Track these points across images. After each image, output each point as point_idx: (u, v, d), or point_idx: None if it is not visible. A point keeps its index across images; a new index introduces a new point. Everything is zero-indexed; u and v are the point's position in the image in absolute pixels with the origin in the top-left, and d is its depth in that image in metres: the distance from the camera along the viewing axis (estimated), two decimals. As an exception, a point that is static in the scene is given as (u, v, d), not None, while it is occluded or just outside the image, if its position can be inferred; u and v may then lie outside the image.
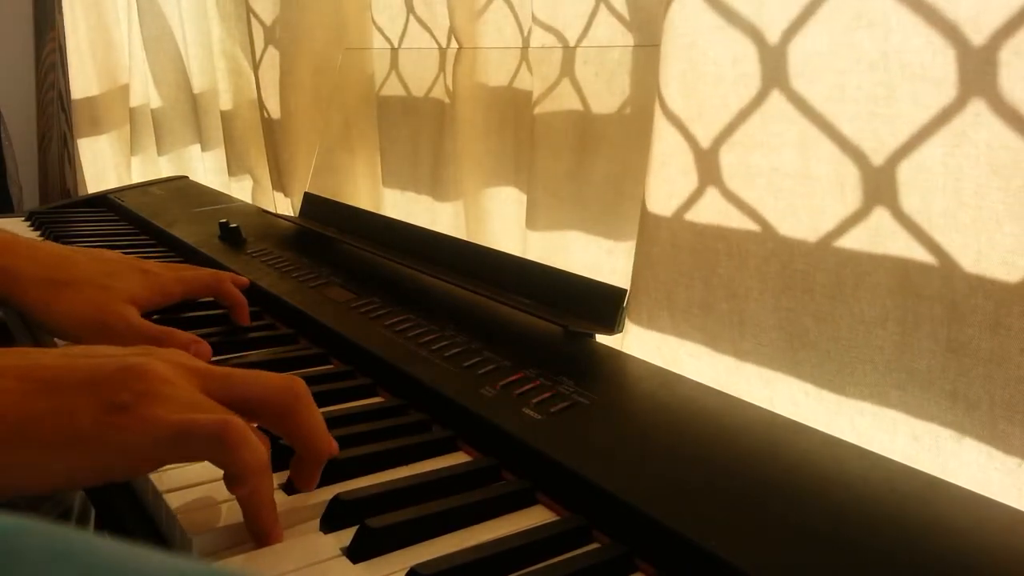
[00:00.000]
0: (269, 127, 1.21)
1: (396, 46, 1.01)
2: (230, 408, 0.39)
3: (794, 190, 0.53)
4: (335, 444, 0.42)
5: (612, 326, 0.60)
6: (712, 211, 0.58)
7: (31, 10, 2.35)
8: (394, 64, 1.01)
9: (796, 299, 0.54)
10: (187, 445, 0.36)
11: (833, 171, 0.51)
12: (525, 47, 0.81)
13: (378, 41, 1.04)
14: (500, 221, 0.87)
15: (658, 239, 0.61)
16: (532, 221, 0.79)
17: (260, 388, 0.41)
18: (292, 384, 0.41)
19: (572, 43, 0.74)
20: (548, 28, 0.75)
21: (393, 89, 1.02)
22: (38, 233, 1.07)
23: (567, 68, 0.74)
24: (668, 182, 0.60)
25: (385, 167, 1.05)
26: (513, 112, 0.84)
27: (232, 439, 0.36)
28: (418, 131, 0.98)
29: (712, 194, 0.58)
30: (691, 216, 0.59)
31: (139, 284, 0.62)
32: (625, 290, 0.61)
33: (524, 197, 0.82)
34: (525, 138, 0.81)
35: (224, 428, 0.36)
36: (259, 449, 0.37)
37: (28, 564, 0.15)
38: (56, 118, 2.25)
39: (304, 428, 0.41)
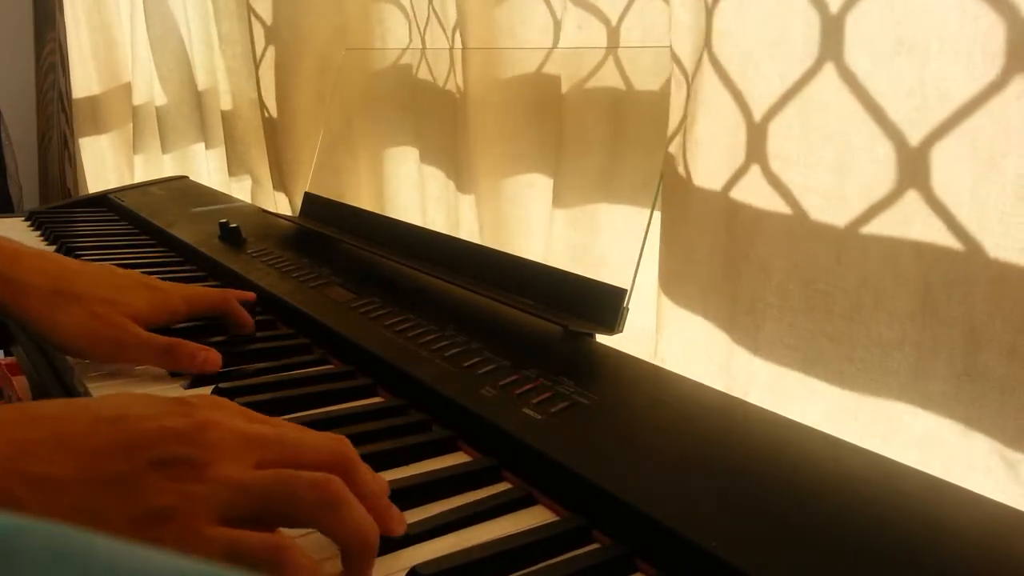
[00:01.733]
0: (271, 126, 1.21)
1: (421, 32, 1.00)
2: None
3: (822, 208, 0.53)
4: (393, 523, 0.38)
5: (612, 326, 0.60)
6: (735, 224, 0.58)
7: (31, 10, 2.35)
8: (424, 53, 1.00)
9: (815, 320, 0.54)
10: (235, 565, 0.32)
11: (865, 190, 0.51)
12: (555, 44, 0.80)
13: (400, 30, 1.03)
14: (526, 205, 0.86)
15: (699, 248, 0.61)
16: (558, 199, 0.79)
17: (312, 454, 0.37)
18: (342, 449, 0.38)
19: (614, 20, 0.73)
20: (588, 7, 0.74)
21: (424, 74, 1.00)
22: (38, 233, 1.07)
23: (612, 40, 0.73)
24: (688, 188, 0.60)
25: (423, 151, 1.04)
26: (539, 97, 0.83)
27: (288, 564, 0.33)
28: (444, 117, 0.96)
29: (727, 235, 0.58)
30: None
31: (145, 301, 0.62)
32: (625, 290, 0.61)
33: (549, 180, 0.82)
34: (553, 123, 0.80)
35: (278, 553, 0.33)
36: (306, 568, 0.33)
37: (28, 564, 0.15)
38: (56, 118, 2.26)
39: (344, 527, 0.35)
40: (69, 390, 0.61)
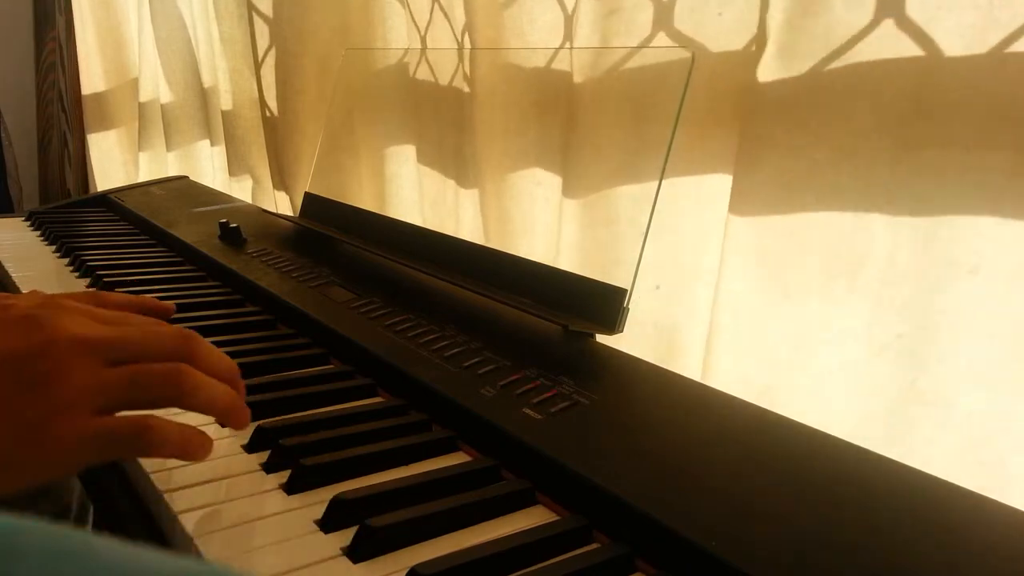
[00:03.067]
0: (271, 126, 1.21)
1: (422, 33, 1.00)
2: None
3: None
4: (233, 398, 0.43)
5: (612, 326, 0.60)
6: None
7: (31, 10, 2.35)
8: (424, 53, 1.00)
9: None
10: (108, 451, 0.38)
11: None
12: (567, 45, 0.80)
13: (401, 28, 1.03)
14: (531, 202, 0.86)
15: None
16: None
17: (156, 348, 0.41)
18: (184, 341, 0.42)
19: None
20: None
21: (425, 74, 1.01)
22: (38, 233, 1.07)
23: (665, 19, 0.73)
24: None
25: (420, 150, 1.04)
26: (551, 92, 0.83)
27: (154, 440, 0.39)
28: (446, 114, 0.96)
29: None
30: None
31: None
32: (625, 290, 0.61)
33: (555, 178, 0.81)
34: (561, 117, 0.80)
35: (145, 431, 0.38)
36: (172, 439, 0.40)
37: (28, 564, 0.15)
38: (56, 118, 2.26)
39: (201, 403, 0.41)
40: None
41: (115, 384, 0.38)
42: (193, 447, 0.40)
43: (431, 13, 0.97)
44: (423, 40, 0.99)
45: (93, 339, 0.38)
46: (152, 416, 0.39)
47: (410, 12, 1.01)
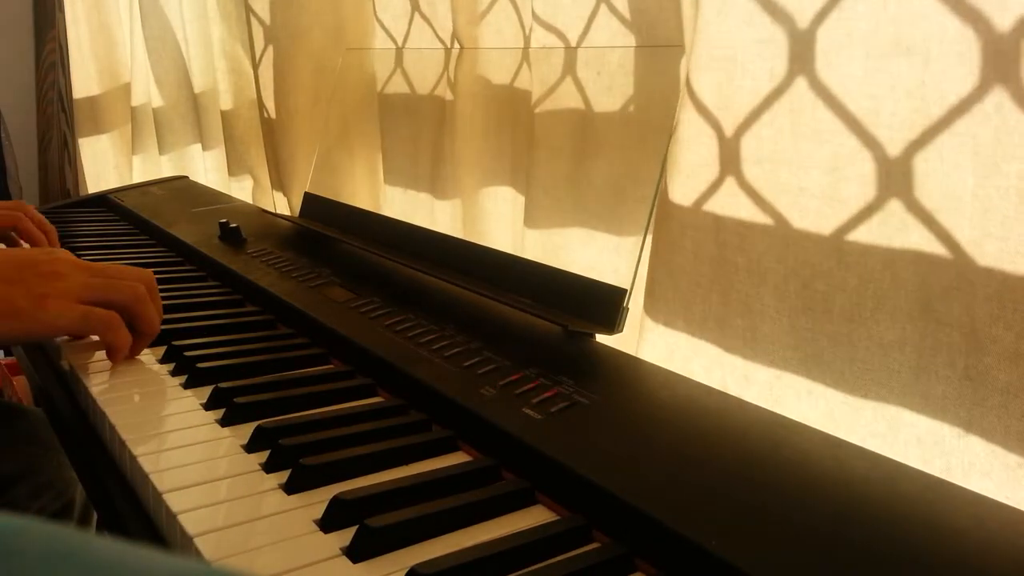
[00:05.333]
0: (268, 127, 1.21)
1: (400, 45, 1.01)
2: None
3: (820, 211, 0.53)
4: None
5: (612, 326, 0.60)
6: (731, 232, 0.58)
7: (31, 10, 2.35)
8: (399, 62, 1.01)
9: (814, 319, 0.54)
10: (84, 327, 0.59)
11: (861, 192, 0.51)
12: (526, 47, 0.81)
13: (381, 39, 1.04)
14: (498, 219, 0.87)
15: (681, 248, 0.61)
16: (530, 220, 0.79)
17: (119, 284, 0.60)
18: (139, 284, 0.61)
19: (573, 43, 0.74)
20: (549, 27, 0.75)
21: (396, 87, 1.02)
22: (38, 233, 1.07)
23: (568, 68, 0.74)
24: (691, 184, 0.61)
25: (387, 165, 1.05)
26: (512, 111, 0.84)
27: (114, 325, 0.58)
28: (420, 129, 0.97)
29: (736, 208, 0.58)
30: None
31: None
32: (625, 290, 0.61)
33: (521, 197, 0.83)
34: (524, 137, 0.81)
35: (109, 322, 0.58)
36: (124, 332, 0.59)
37: (28, 564, 0.15)
38: (56, 118, 2.25)
39: (145, 317, 0.61)
40: (70, 391, 0.61)
41: (95, 286, 0.58)
42: (122, 346, 0.59)
43: (412, 17, 0.97)
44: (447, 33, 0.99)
45: (83, 262, 0.61)
46: (116, 315, 0.58)
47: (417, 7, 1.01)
